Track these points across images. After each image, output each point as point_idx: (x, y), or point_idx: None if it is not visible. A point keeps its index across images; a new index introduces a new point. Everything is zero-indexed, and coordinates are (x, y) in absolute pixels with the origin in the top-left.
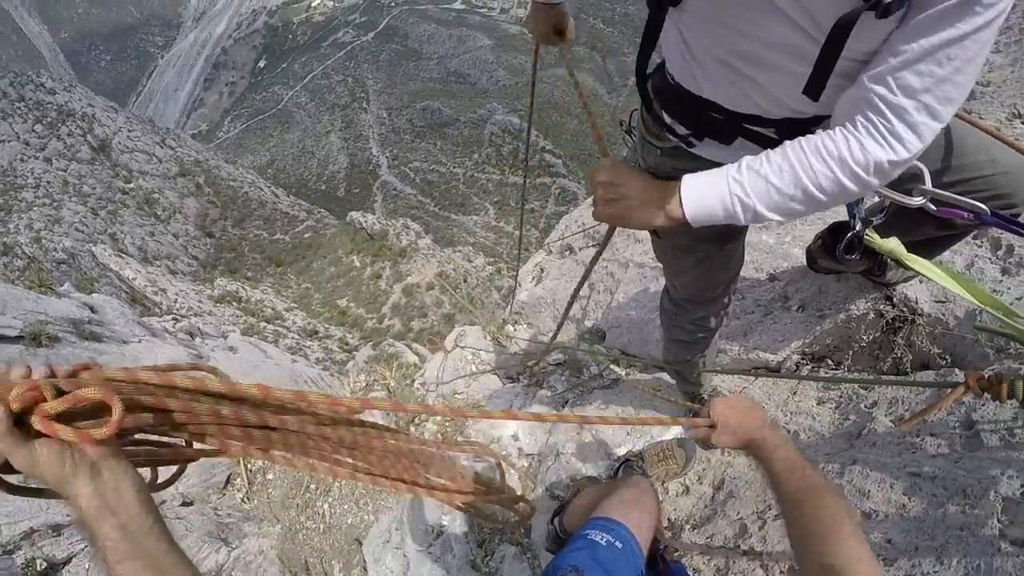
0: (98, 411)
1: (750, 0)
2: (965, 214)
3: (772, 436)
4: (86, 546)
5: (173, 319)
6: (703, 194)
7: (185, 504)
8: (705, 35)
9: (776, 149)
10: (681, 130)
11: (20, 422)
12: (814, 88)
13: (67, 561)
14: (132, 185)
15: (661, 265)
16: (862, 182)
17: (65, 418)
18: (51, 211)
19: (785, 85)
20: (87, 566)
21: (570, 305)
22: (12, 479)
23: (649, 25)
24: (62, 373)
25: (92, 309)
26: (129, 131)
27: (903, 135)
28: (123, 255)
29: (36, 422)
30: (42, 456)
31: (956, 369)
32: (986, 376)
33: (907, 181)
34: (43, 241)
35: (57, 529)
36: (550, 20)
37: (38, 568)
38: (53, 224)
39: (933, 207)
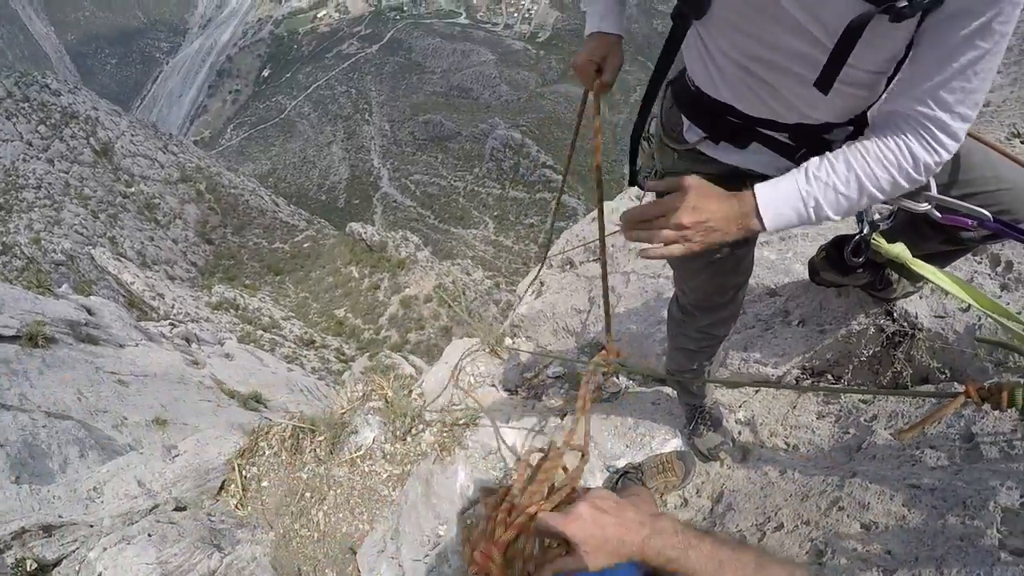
0: None
1: (764, 9)
2: (969, 222)
3: (657, 543)
4: (77, 548)
5: (170, 324)
6: (780, 210)
7: (178, 509)
8: (725, 41)
9: (837, 157)
10: (699, 133)
11: None
12: (824, 83)
13: (57, 562)
14: (133, 189)
15: (666, 275)
16: (914, 181)
17: None
18: (51, 212)
19: (797, 89)
20: (77, 568)
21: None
22: None
23: (671, 38)
24: None
25: (89, 311)
26: (132, 135)
27: (944, 141)
28: (122, 259)
29: None
30: None
31: (955, 383)
32: (986, 386)
33: (916, 192)
34: (42, 242)
35: (48, 530)
36: (595, 50)
37: (28, 569)
38: (53, 225)
39: (938, 214)
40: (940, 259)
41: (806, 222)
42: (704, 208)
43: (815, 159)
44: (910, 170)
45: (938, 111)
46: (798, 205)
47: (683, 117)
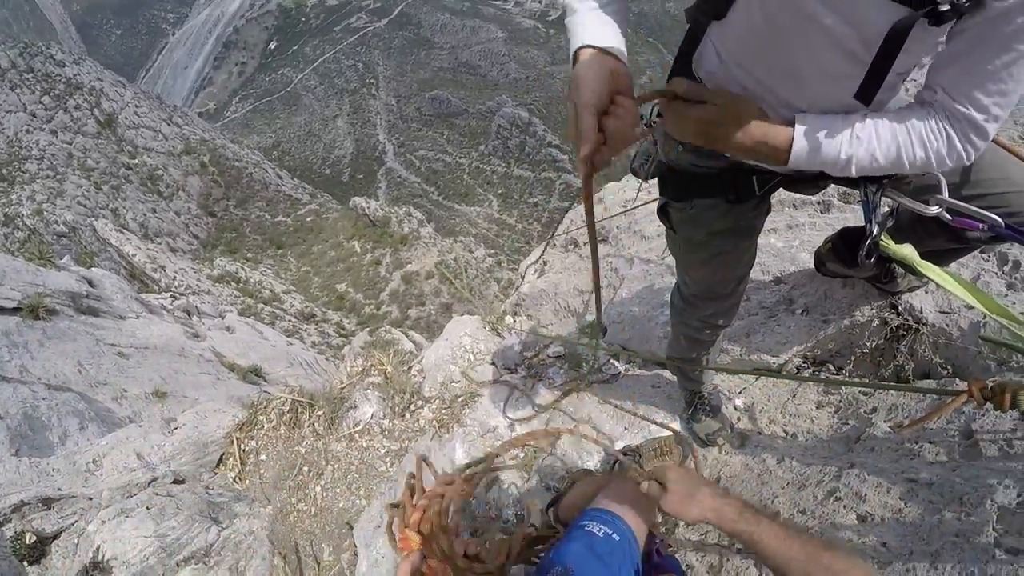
0: None
1: (793, 27)
2: (980, 225)
3: (727, 510)
4: (76, 520)
5: (171, 296)
6: (810, 160)
7: (177, 482)
8: (741, 53)
9: (882, 124)
10: None
11: None
12: (866, 94)
13: (56, 535)
14: (136, 161)
15: (669, 261)
16: (943, 166)
17: None
18: (54, 184)
19: (819, 102)
20: (76, 541)
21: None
22: None
23: (691, 35)
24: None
25: (91, 283)
26: (136, 107)
27: (976, 140)
28: (124, 231)
29: None
30: None
31: (957, 379)
32: (989, 385)
33: (925, 191)
34: (45, 213)
35: (47, 503)
36: (603, 79)
37: (27, 542)
38: (56, 197)
39: (948, 217)
40: (947, 256)
41: (832, 169)
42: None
43: (860, 120)
44: (945, 157)
45: (973, 111)
46: (833, 159)
47: None
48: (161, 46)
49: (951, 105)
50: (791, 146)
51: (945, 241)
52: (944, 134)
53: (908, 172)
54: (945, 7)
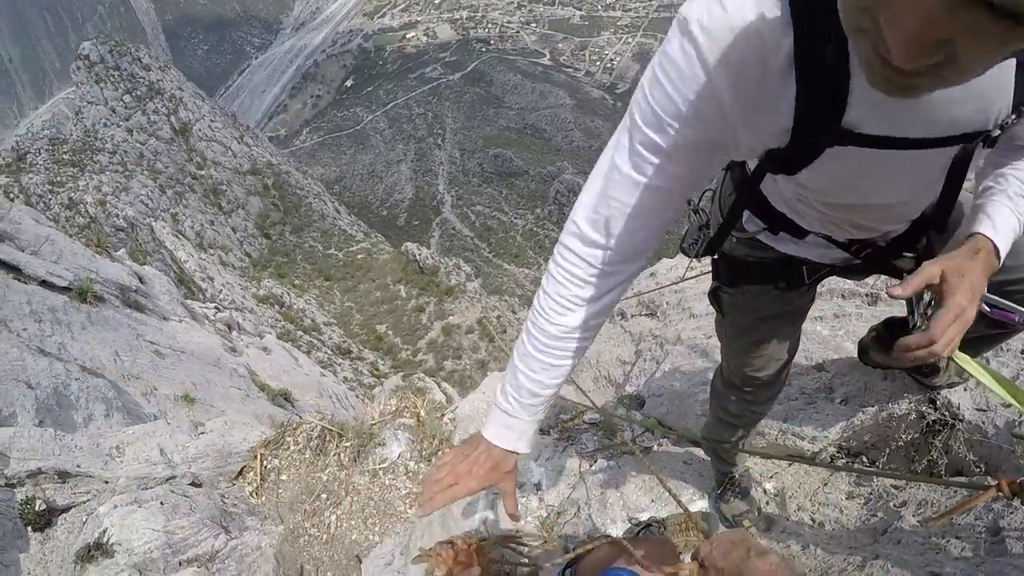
0: None
1: (865, 195)
2: (1016, 317)
3: None
4: (88, 499)
5: (215, 308)
6: (1007, 245)
7: (194, 484)
8: (804, 202)
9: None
10: (759, 224)
11: None
12: (941, 224)
13: (67, 509)
14: (203, 172)
15: (715, 342)
16: None
17: None
18: (121, 179)
19: (879, 227)
20: (84, 519)
21: None
22: None
23: (748, 187)
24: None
25: (141, 279)
26: (211, 121)
27: None
28: (180, 236)
29: None
30: None
31: (989, 478)
32: (1018, 481)
33: None
34: (108, 205)
35: (64, 476)
36: (489, 474)
37: (36, 508)
38: (121, 192)
39: (987, 309)
40: (987, 341)
41: None
42: (970, 284)
43: (1010, 190)
44: None
45: None
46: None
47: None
48: (243, 67)
49: None
50: (999, 256)
51: (985, 327)
52: None
53: None
54: (996, 132)
